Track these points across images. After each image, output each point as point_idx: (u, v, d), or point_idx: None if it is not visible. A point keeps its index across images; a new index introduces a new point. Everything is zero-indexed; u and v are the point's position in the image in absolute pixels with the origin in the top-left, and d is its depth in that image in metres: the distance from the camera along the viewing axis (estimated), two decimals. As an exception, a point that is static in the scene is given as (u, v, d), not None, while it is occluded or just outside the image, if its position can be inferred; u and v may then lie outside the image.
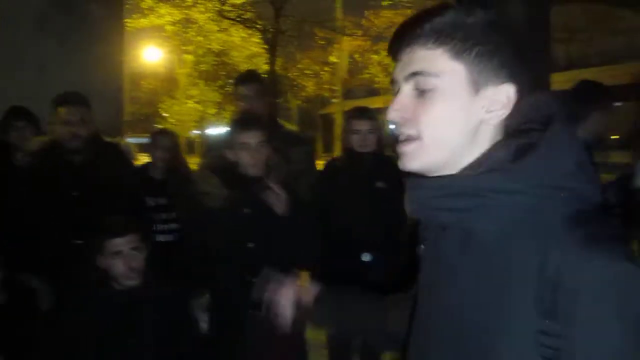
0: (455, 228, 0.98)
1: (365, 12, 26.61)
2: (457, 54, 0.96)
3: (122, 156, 3.44)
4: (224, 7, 20.22)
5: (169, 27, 23.87)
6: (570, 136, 0.95)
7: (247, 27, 21.54)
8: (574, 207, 0.89)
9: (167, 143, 4.11)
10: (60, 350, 2.57)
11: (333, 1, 22.70)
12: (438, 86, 0.96)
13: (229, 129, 3.09)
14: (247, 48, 23.97)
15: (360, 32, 26.37)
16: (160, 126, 33.39)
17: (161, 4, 21.64)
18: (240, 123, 2.99)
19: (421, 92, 0.98)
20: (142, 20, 21.95)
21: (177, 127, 25.70)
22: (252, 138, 2.82)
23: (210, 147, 3.57)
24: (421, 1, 25.27)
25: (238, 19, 20.67)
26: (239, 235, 2.83)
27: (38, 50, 4.70)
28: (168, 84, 29.25)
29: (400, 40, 1.00)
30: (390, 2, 25.60)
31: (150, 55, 26.40)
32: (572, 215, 0.88)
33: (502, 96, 0.97)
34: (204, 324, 2.98)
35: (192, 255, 3.08)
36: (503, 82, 0.97)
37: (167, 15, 22.48)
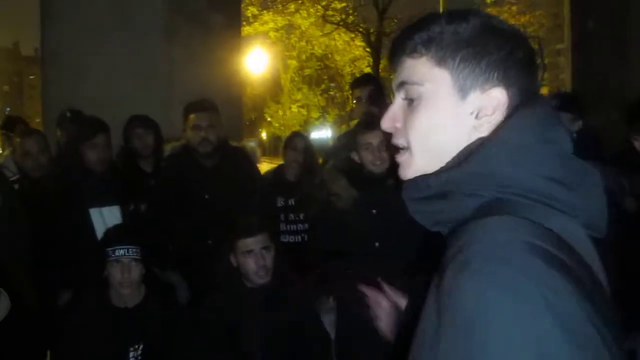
0: (442, 231, 0.93)
1: (469, 10, 26.09)
2: (441, 60, 0.92)
3: (249, 159, 3.55)
4: (327, 12, 20.46)
5: (272, 34, 24.47)
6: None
7: (350, 30, 21.68)
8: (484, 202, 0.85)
9: (300, 145, 4.22)
10: (196, 341, 2.69)
11: (437, 1, 22.39)
12: (423, 94, 0.93)
13: (350, 130, 3.12)
14: (350, 51, 24.12)
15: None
16: (264, 130, 34.34)
17: (265, 11, 22.22)
18: (363, 124, 3.03)
19: (410, 101, 0.96)
20: (247, 27, 22.66)
21: (281, 131, 26.31)
22: (374, 138, 2.85)
23: (336, 149, 3.62)
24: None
25: (341, 23, 20.86)
26: (367, 235, 2.86)
27: (164, 58, 4.94)
28: (272, 89, 29.98)
29: (394, 51, 0.99)
30: (495, 0, 24.95)
31: (255, 61, 27.20)
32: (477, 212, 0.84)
33: (492, 100, 0.90)
34: (327, 326, 3.02)
35: (319, 255, 3.14)
36: (492, 87, 0.91)
37: (270, 22, 23.05)
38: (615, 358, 0.70)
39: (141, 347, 2.68)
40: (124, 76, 4.71)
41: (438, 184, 0.89)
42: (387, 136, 1.02)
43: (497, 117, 0.91)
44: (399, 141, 0.98)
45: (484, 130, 0.91)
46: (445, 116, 0.92)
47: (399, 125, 0.98)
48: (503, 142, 0.86)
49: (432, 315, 0.78)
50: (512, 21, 25.54)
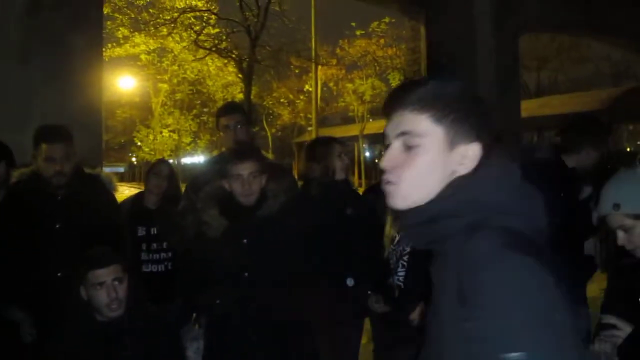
0: (437, 251, 1.23)
1: (340, 41, 27.05)
2: (438, 119, 1.20)
3: (104, 187, 3.42)
4: (199, 37, 20.34)
5: (144, 56, 23.91)
6: (499, 169, 1.20)
7: (222, 56, 21.67)
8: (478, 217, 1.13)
9: (165, 172, 4.14)
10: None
11: (308, 31, 23.01)
12: (421, 144, 1.20)
13: (209, 158, 3.14)
14: (223, 77, 24.14)
15: (334, 61, 26.72)
16: (134, 155, 33.19)
17: (137, 33, 21.71)
18: (234, 154, 3.04)
19: (408, 147, 1.22)
20: (117, 49, 21.98)
21: (151, 156, 25.60)
22: (244, 169, 2.89)
23: (204, 176, 3.58)
24: (392, 31, 25.90)
25: (214, 49, 20.80)
26: (237, 265, 2.87)
27: (22, 82, 4.70)
28: (143, 112, 29.21)
29: (393, 103, 1.25)
30: (364, 32, 26.08)
31: (125, 84, 26.37)
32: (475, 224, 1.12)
33: (471, 152, 1.21)
34: (192, 354, 2.97)
35: (186, 284, 3.10)
36: (472, 142, 1.20)
37: (142, 44, 22.56)
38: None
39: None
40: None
41: (432, 211, 1.18)
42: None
43: (472, 163, 1.21)
44: (390, 177, 1.23)
45: (458, 173, 1.21)
46: (436, 162, 1.21)
47: (395, 165, 1.22)
48: (482, 179, 1.17)
49: (448, 305, 1.10)
50: (379, 53, 26.83)
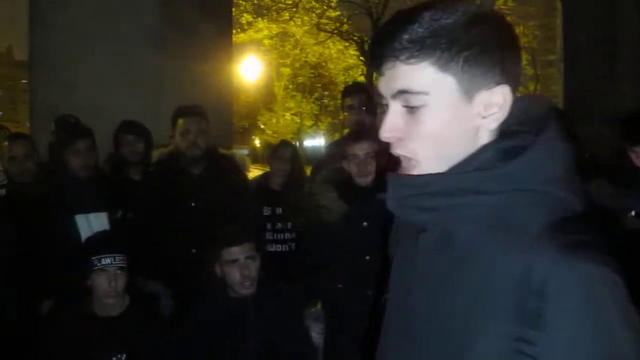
0: (433, 229, 0.95)
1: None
2: (444, 65, 0.88)
3: (237, 168, 3.52)
4: (321, 21, 20.50)
5: (266, 41, 24.47)
6: (561, 143, 0.91)
7: (343, 39, 21.73)
8: (556, 215, 0.87)
9: (287, 154, 4.20)
10: (177, 352, 2.67)
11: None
12: (428, 102, 0.90)
13: (339, 139, 3.14)
14: (344, 60, 24.16)
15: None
16: (257, 138, 34.30)
17: (259, 18, 22.23)
18: (351, 135, 3.03)
19: (411, 109, 0.91)
20: (241, 35, 22.66)
21: (274, 139, 26.30)
22: (360, 150, 2.85)
23: (327, 159, 3.61)
24: (519, 9, 24.75)
25: (335, 32, 20.90)
26: (358, 248, 2.84)
27: (153, 67, 4.92)
28: (266, 96, 29.98)
29: (380, 53, 0.92)
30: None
31: (249, 69, 27.19)
32: (553, 223, 0.86)
33: (498, 98, 0.91)
34: (315, 334, 3.00)
35: (307, 266, 3.13)
36: (497, 84, 0.90)
37: (265, 29, 23.06)
38: None
39: (124, 356, 2.65)
40: (112, 85, 4.69)
41: (461, 183, 0.89)
42: (382, 146, 0.99)
43: (502, 113, 0.91)
44: (401, 151, 0.95)
45: (490, 129, 0.93)
46: (453, 121, 0.91)
47: (400, 135, 0.94)
48: (545, 156, 0.90)
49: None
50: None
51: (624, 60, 6.93)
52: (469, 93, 0.89)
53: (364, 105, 3.64)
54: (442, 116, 0.90)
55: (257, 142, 38.33)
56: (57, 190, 3.17)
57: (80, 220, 3.12)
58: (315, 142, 31.31)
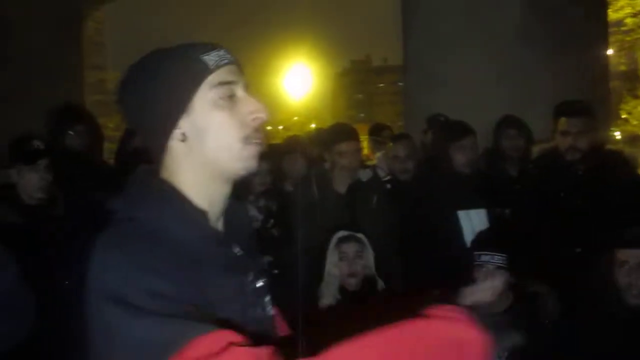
0: None
1: None
2: None
3: (628, 165, 3.24)
4: None
5: (629, 20, 22.23)
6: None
7: None
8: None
9: None
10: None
11: None
12: None
13: None
14: None
15: None
16: (618, 130, 31.11)
17: (621, -5, 20.30)
18: None
19: None
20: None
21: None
22: None
23: None
24: None
25: None
26: None
27: (520, 61, 4.82)
28: (629, 82, 27.03)
29: None
30: None
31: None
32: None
33: None
34: None
35: None
36: None
37: (627, 7, 20.99)
38: None
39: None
40: (482, 81, 4.74)
41: None
42: None
43: None
44: None
45: None
46: None
47: None
48: None
49: None
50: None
51: None
52: None
53: None
54: None
55: (617, 135, 34.82)
56: (438, 186, 3.31)
57: (462, 216, 3.20)
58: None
